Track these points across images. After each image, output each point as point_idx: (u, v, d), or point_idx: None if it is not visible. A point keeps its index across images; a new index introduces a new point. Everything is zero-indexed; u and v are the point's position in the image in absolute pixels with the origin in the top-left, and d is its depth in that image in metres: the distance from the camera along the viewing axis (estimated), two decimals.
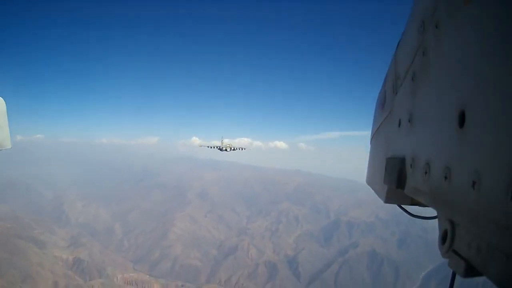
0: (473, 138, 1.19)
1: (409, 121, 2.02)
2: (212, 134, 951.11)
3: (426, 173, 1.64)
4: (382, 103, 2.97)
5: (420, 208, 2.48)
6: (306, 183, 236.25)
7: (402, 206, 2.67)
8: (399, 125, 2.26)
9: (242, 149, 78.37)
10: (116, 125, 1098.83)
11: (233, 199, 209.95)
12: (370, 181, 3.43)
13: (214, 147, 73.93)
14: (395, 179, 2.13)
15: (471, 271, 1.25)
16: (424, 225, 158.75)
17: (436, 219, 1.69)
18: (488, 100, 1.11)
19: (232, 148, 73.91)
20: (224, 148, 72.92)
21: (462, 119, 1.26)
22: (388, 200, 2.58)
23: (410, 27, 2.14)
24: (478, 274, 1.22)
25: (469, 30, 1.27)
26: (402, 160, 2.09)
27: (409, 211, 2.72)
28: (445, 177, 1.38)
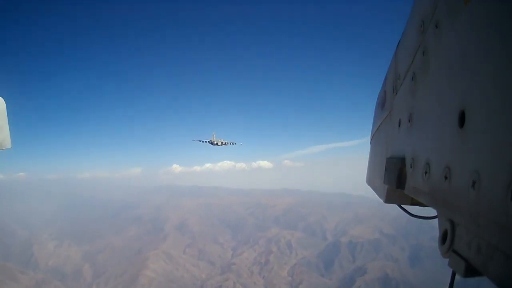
0: (473, 138, 1.18)
1: (409, 121, 2.02)
2: (193, 159, 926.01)
3: (426, 173, 1.64)
4: (382, 103, 2.99)
5: (420, 208, 2.50)
6: (296, 203, 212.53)
7: (402, 206, 2.69)
8: (399, 125, 2.26)
9: (233, 144, 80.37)
10: (99, 159, 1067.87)
11: (215, 228, 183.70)
12: (370, 181, 3.47)
13: (205, 141, 75.89)
14: (395, 179, 2.14)
15: (471, 271, 1.25)
16: (433, 234, 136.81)
17: (436, 219, 1.69)
18: (488, 100, 1.11)
19: (223, 143, 76.63)
20: (215, 142, 75.52)
21: (462, 119, 1.26)
22: (388, 200, 2.62)
23: (410, 27, 2.13)
24: (478, 274, 1.21)
25: (469, 30, 1.26)
26: (402, 160, 2.08)
27: (409, 211, 2.74)
28: (445, 177, 1.38)
